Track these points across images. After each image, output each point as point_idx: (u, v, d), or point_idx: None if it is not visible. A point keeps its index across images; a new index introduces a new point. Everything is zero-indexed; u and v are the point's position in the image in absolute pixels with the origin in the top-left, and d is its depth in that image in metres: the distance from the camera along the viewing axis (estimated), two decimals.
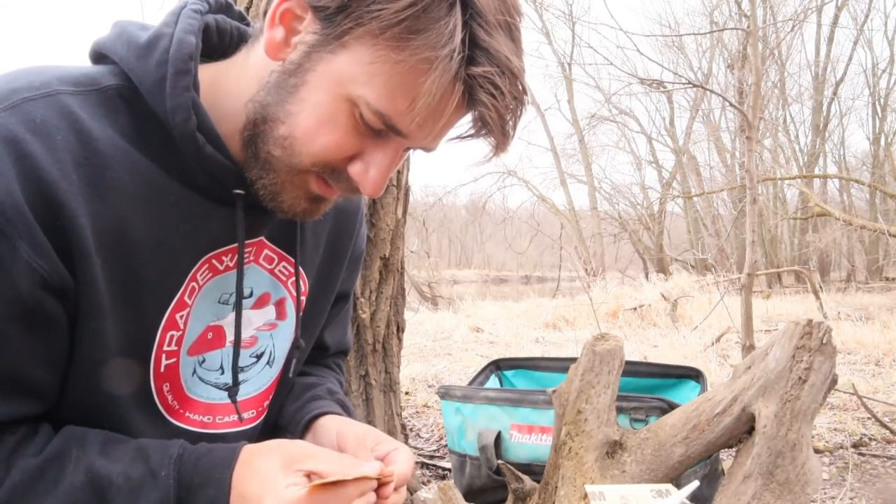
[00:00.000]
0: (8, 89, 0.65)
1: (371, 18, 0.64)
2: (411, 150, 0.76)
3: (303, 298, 0.93)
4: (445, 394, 2.20)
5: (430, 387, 4.26)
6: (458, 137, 0.75)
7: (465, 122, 0.73)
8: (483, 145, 0.73)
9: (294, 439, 0.79)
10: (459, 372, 4.71)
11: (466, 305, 9.70)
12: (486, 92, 0.66)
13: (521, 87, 0.68)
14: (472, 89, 0.66)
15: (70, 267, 0.65)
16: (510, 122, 0.69)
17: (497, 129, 0.69)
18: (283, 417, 0.96)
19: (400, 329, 2.21)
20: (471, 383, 2.44)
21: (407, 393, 3.99)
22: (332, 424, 0.90)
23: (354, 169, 0.72)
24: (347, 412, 0.97)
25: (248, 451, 0.72)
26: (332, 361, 1.13)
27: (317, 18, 0.68)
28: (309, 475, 0.70)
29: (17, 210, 0.61)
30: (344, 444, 0.83)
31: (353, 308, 2.03)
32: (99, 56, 0.75)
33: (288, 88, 0.69)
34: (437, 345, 6.22)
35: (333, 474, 0.68)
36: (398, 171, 2.10)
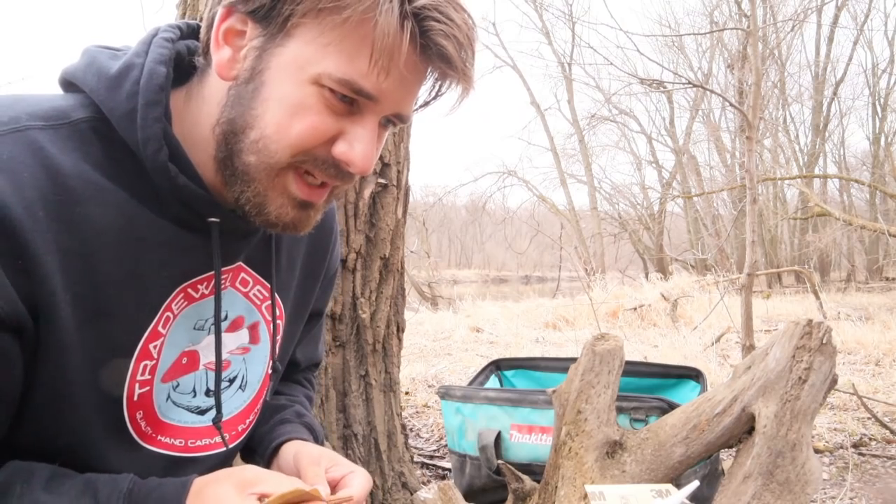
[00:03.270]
0: None
1: None
2: (392, 127, 0.76)
3: (279, 322, 0.92)
4: (445, 394, 2.20)
5: (430, 387, 4.26)
6: (425, 104, 0.75)
7: (427, 88, 0.74)
8: (450, 98, 0.74)
9: (248, 465, 0.79)
10: (459, 372, 4.71)
11: (466, 305, 9.70)
12: (436, 21, 0.66)
13: (468, 15, 0.69)
14: (422, 23, 0.66)
15: (33, 306, 0.64)
16: (468, 52, 0.69)
17: (457, 60, 0.68)
18: (253, 440, 0.96)
19: (400, 329, 2.21)
20: (471, 383, 2.44)
21: (407, 393, 4.00)
22: (291, 448, 0.90)
23: (338, 149, 0.71)
24: (314, 434, 0.98)
25: (200, 482, 0.71)
26: (302, 377, 1.13)
27: (257, 23, 0.68)
28: (261, 497, 0.70)
29: None
30: (299, 463, 0.84)
31: (353, 308, 2.03)
32: (68, 84, 0.75)
33: (248, 95, 0.69)
34: (437, 345, 6.22)
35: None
36: (398, 171, 2.10)
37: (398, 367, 2.21)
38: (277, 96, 0.68)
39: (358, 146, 0.70)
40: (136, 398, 0.77)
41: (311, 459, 0.83)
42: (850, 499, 2.32)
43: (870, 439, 2.97)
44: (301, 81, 0.67)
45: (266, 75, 0.68)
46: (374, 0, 0.64)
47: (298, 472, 0.82)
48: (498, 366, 2.66)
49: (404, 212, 2.16)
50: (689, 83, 6.97)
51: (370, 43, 0.65)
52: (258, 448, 0.95)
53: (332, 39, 0.66)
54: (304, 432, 0.96)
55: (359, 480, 0.80)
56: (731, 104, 8.08)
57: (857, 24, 16.91)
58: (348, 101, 0.69)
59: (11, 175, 0.62)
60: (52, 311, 0.65)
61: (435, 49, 0.67)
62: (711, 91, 12.32)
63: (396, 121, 0.75)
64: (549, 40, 17.66)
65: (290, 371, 1.08)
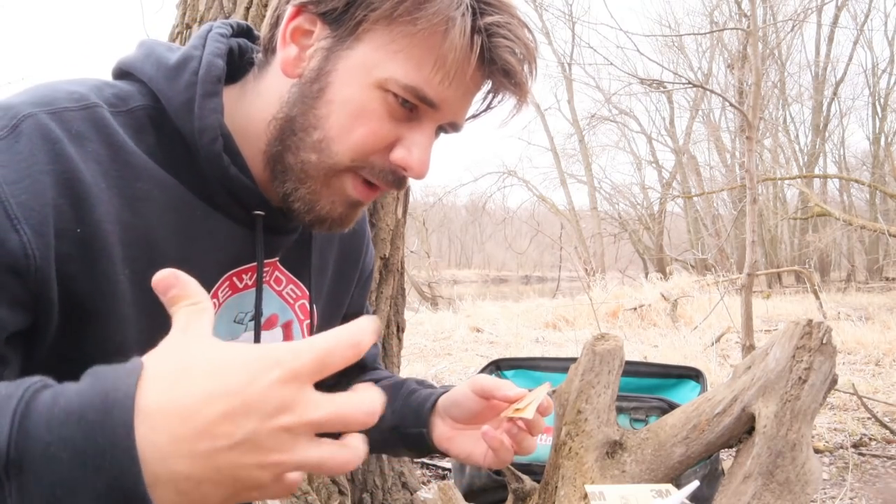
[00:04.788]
0: (51, 96, 0.65)
1: (381, 2, 0.67)
2: (443, 135, 0.78)
3: (313, 322, 0.94)
4: None
5: None
6: (476, 115, 0.77)
7: (479, 99, 0.76)
8: (502, 110, 0.77)
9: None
10: (459, 372, 4.71)
11: (466, 305, 9.70)
12: (504, 38, 0.68)
13: (530, 33, 0.72)
14: (491, 38, 0.68)
15: (89, 277, 0.63)
16: (530, 69, 0.72)
17: (520, 76, 0.71)
18: (388, 420, 0.94)
19: (400, 329, 2.22)
20: None
21: None
22: (461, 390, 0.90)
23: (397, 155, 0.72)
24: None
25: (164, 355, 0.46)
26: (375, 365, 1.15)
27: (326, 24, 0.70)
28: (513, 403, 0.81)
29: (36, 200, 0.59)
30: (485, 386, 0.85)
31: None
32: (123, 73, 0.76)
33: (313, 95, 0.70)
34: (437, 345, 6.22)
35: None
36: None
37: (398, 367, 2.21)
38: (342, 98, 0.69)
39: (416, 151, 0.72)
40: None
41: (496, 380, 0.85)
42: (850, 499, 2.32)
43: (870, 439, 2.97)
44: (366, 85, 0.69)
45: (332, 77, 0.70)
46: (447, 14, 0.66)
47: (487, 394, 0.85)
48: (498, 366, 2.66)
49: (404, 212, 2.16)
50: (689, 83, 6.97)
51: (439, 53, 0.67)
52: (401, 423, 0.93)
53: (402, 47, 0.68)
54: (440, 389, 0.97)
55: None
56: (731, 104, 8.08)
57: (857, 24, 16.94)
58: (409, 106, 0.70)
59: (79, 146, 0.63)
60: (112, 285, 0.65)
61: (500, 64, 0.69)
62: (711, 91, 12.33)
63: (450, 129, 0.77)
64: (549, 40, 17.66)
65: (359, 370, 1.09)
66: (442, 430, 0.92)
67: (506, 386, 0.84)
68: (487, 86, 0.74)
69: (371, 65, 0.68)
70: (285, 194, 0.74)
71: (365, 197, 0.75)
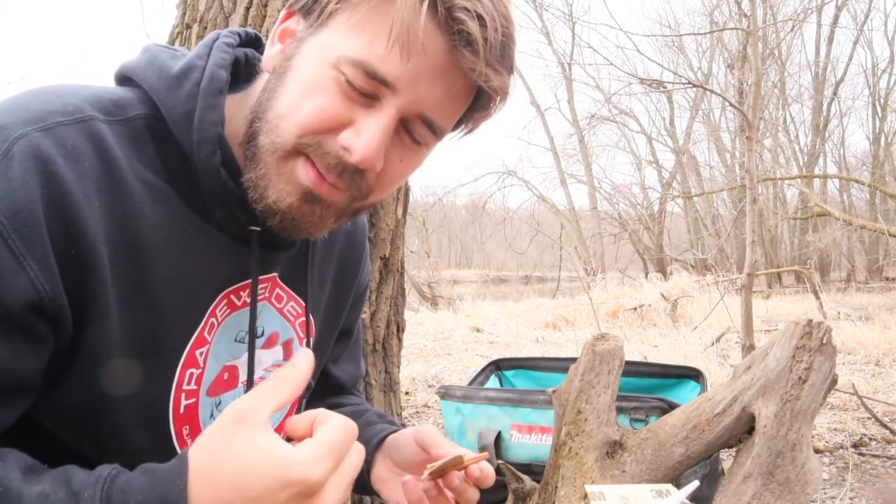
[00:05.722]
0: (43, 110, 0.63)
1: None
2: (420, 137, 0.71)
3: (310, 339, 0.92)
4: (445, 394, 2.20)
5: (430, 387, 4.26)
6: (469, 119, 0.74)
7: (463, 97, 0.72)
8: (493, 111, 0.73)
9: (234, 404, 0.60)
10: (459, 372, 4.71)
11: (466, 305, 9.71)
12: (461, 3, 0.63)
13: (504, 6, 0.66)
14: (446, 2, 0.63)
15: (80, 298, 0.63)
16: (495, 37, 0.65)
17: (479, 42, 0.64)
18: None
19: (400, 329, 2.21)
20: (471, 383, 2.44)
21: (407, 393, 4.00)
22: (406, 434, 0.89)
23: (345, 136, 0.67)
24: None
25: (197, 455, 0.57)
26: (352, 389, 1.13)
27: (303, 18, 0.70)
28: (427, 463, 0.77)
29: (35, 231, 0.59)
30: (427, 439, 0.83)
31: None
32: (125, 79, 0.75)
33: (277, 79, 0.69)
34: (437, 345, 6.22)
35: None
36: None
37: (398, 367, 2.21)
38: (298, 78, 0.67)
39: (364, 134, 0.66)
40: (182, 410, 0.75)
41: (439, 435, 0.83)
42: (850, 499, 2.32)
43: (870, 439, 2.97)
44: (322, 64, 0.66)
45: (294, 60, 0.69)
46: None
47: (425, 447, 0.82)
48: (498, 366, 2.66)
49: (404, 212, 2.16)
50: (689, 83, 6.97)
51: (392, 25, 0.63)
52: None
53: (357, 23, 0.65)
54: (396, 428, 0.96)
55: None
56: (731, 104, 8.08)
57: (857, 24, 16.95)
58: (365, 88, 0.66)
59: (74, 164, 0.62)
60: (100, 306, 0.65)
61: (456, 28, 0.63)
62: (711, 91, 12.33)
63: (425, 127, 0.70)
64: (549, 40, 17.66)
65: (338, 390, 1.08)
66: (380, 471, 0.91)
67: (444, 444, 0.81)
68: (467, 74, 0.67)
69: (329, 45, 0.66)
70: (244, 181, 0.70)
71: (319, 187, 0.68)
